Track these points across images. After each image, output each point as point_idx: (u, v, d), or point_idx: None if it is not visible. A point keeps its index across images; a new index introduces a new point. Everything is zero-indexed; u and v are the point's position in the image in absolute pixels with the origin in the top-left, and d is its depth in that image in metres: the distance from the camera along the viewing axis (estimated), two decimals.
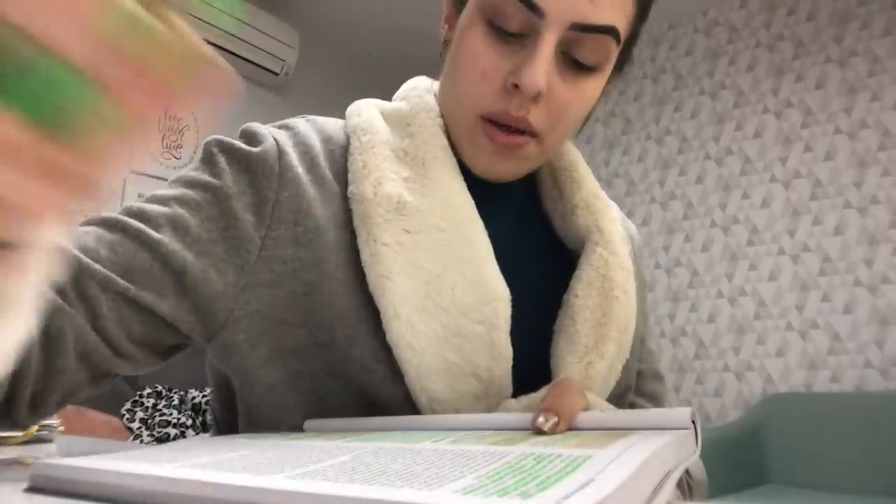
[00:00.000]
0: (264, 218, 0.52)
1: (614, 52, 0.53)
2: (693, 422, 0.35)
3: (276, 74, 3.07)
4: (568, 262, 0.60)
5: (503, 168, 0.56)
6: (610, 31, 0.50)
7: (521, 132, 0.53)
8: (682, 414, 0.35)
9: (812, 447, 2.42)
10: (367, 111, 0.59)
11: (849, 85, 2.77)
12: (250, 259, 0.51)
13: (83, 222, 0.51)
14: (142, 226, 0.49)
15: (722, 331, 2.91)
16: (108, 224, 0.49)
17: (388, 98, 0.64)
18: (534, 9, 0.48)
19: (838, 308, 2.65)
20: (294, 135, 0.57)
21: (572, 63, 0.52)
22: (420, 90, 0.61)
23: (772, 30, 3.00)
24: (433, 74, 0.64)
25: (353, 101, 0.62)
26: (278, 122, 0.60)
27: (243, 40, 2.86)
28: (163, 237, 0.49)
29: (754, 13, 3.06)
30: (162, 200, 0.51)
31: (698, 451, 0.35)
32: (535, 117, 0.52)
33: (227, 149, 0.54)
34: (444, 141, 0.56)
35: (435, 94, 0.61)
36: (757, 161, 2.95)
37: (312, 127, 0.59)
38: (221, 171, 0.53)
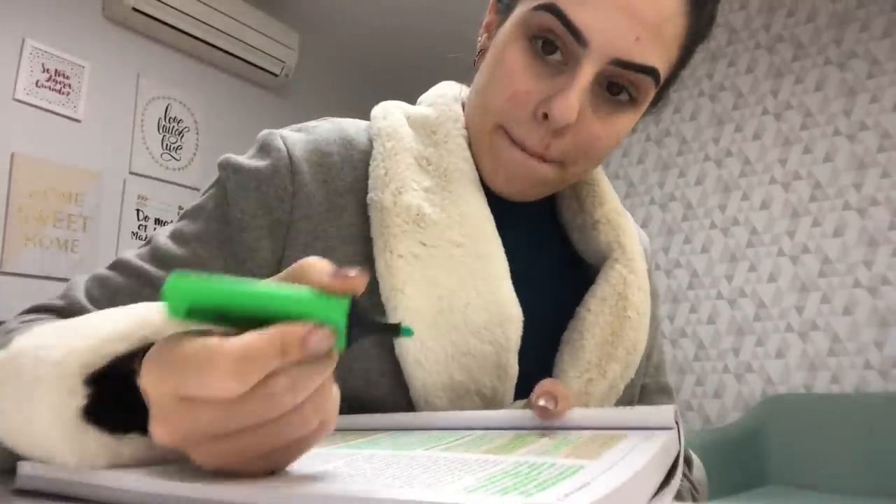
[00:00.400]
0: (278, 241, 0.52)
1: (651, 91, 0.51)
2: (676, 422, 0.35)
3: (276, 76, 3.07)
4: (585, 276, 0.59)
5: (520, 189, 0.55)
6: (650, 72, 0.49)
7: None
8: (665, 413, 0.35)
9: (812, 448, 2.41)
10: (392, 115, 0.58)
11: (848, 87, 2.77)
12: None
13: (108, 266, 0.53)
14: (162, 273, 0.51)
15: (722, 332, 2.90)
16: (127, 271, 0.51)
17: (388, 99, 0.64)
18: (579, 38, 0.47)
19: (838, 309, 2.65)
20: (312, 141, 0.56)
21: (608, 97, 0.51)
22: (448, 98, 0.60)
23: (771, 31, 3.00)
24: (433, 75, 0.64)
25: (353, 102, 0.62)
26: (297, 126, 0.59)
27: (243, 41, 2.85)
28: None
29: (754, 15, 3.07)
30: (184, 240, 0.53)
31: (682, 449, 0.35)
32: (557, 149, 0.51)
33: (236, 169, 0.54)
34: (468, 153, 0.56)
35: (462, 103, 0.60)
36: (756, 163, 2.95)
37: (334, 130, 0.58)
38: (233, 198, 0.53)
